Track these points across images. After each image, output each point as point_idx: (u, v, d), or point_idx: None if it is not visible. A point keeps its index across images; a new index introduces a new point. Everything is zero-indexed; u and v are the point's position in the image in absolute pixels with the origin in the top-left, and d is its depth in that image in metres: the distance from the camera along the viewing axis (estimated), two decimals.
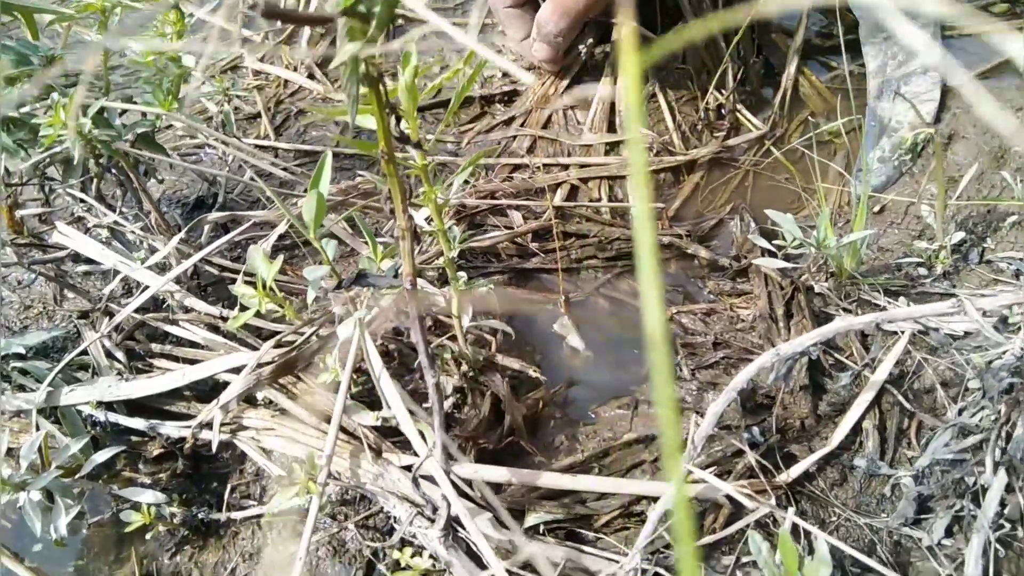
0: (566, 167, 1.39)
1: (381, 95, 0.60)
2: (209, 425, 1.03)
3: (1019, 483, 0.90)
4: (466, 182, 1.32)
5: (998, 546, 0.89)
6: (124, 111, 1.17)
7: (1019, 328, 1.05)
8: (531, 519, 0.97)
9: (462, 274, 0.98)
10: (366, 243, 0.95)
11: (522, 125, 1.45)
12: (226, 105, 1.20)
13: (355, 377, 1.11)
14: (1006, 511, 0.91)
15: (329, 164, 0.76)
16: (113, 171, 1.18)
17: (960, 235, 1.15)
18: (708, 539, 0.94)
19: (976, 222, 1.21)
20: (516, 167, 1.40)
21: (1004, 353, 1.02)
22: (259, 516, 1.06)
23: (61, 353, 1.16)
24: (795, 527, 0.91)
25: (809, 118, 1.47)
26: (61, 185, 1.15)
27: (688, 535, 0.24)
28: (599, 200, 1.36)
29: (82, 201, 1.20)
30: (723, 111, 1.48)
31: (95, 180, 1.17)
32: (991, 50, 1.48)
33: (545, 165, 1.39)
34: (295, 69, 1.60)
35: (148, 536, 1.05)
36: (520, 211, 1.34)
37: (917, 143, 1.27)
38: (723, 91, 1.47)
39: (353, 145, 0.72)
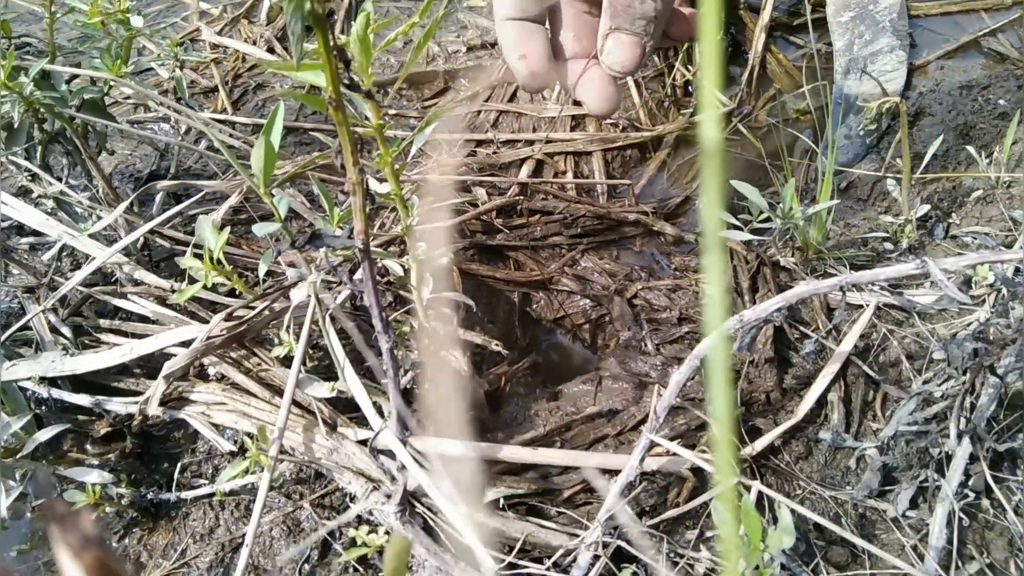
0: (531, 142, 1.36)
1: (327, 34, 0.56)
2: (159, 402, 0.99)
3: (983, 452, 0.89)
4: (427, 155, 1.29)
5: (963, 516, 0.88)
6: (72, 77, 1.12)
7: (983, 300, 1.04)
8: (491, 494, 0.94)
9: (422, 244, 0.95)
10: (324, 213, 0.92)
11: (487, 100, 1.42)
12: (178, 71, 1.15)
13: (311, 352, 1.07)
14: (971, 481, 0.90)
15: (281, 115, 0.73)
16: (60, 140, 1.14)
17: (926, 208, 1.14)
18: (672, 512, 0.92)
19: (942, 197, 1.20)
20: (480, 142, 1.38)
21: (969, 325, 1.01)
22: (211, 496, 1.02)
23: (4, 330, 1.11)
24: (760, 501, 0.90)
25: (776, 95, 1.46)
26: (4, 153, 1.10)
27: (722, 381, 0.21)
28: (565, 174, 1.34)
29: (27, 170, 1.15)
30: (690, 88, 1.46)
31: (40, 148, 1.13)
32: (958, 29, 1.48)
33: (510, 140, 1.36)
34: (254, 43, 1.56)
35: (94, 517, 1.01)
36: (484, 187, 1.31)
37: (882, 113, 1.26)
38: (690, 67, 1.46)
39: (301, 98, 0.69)
